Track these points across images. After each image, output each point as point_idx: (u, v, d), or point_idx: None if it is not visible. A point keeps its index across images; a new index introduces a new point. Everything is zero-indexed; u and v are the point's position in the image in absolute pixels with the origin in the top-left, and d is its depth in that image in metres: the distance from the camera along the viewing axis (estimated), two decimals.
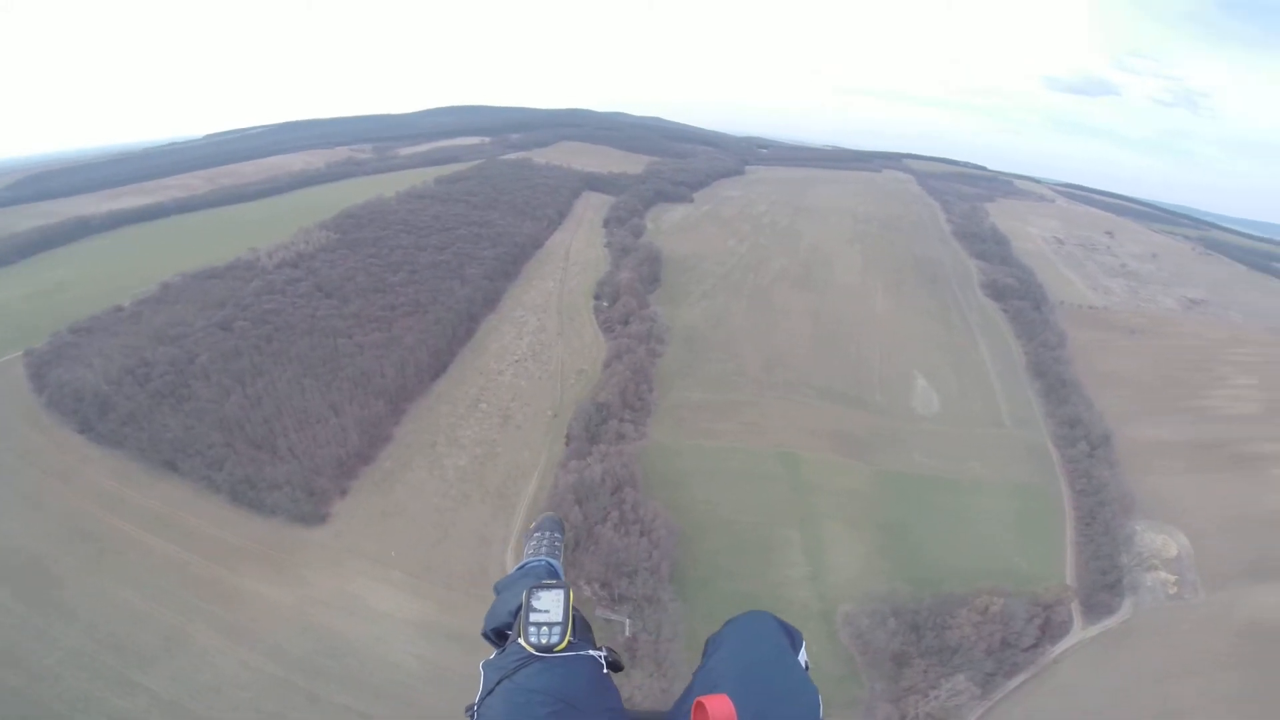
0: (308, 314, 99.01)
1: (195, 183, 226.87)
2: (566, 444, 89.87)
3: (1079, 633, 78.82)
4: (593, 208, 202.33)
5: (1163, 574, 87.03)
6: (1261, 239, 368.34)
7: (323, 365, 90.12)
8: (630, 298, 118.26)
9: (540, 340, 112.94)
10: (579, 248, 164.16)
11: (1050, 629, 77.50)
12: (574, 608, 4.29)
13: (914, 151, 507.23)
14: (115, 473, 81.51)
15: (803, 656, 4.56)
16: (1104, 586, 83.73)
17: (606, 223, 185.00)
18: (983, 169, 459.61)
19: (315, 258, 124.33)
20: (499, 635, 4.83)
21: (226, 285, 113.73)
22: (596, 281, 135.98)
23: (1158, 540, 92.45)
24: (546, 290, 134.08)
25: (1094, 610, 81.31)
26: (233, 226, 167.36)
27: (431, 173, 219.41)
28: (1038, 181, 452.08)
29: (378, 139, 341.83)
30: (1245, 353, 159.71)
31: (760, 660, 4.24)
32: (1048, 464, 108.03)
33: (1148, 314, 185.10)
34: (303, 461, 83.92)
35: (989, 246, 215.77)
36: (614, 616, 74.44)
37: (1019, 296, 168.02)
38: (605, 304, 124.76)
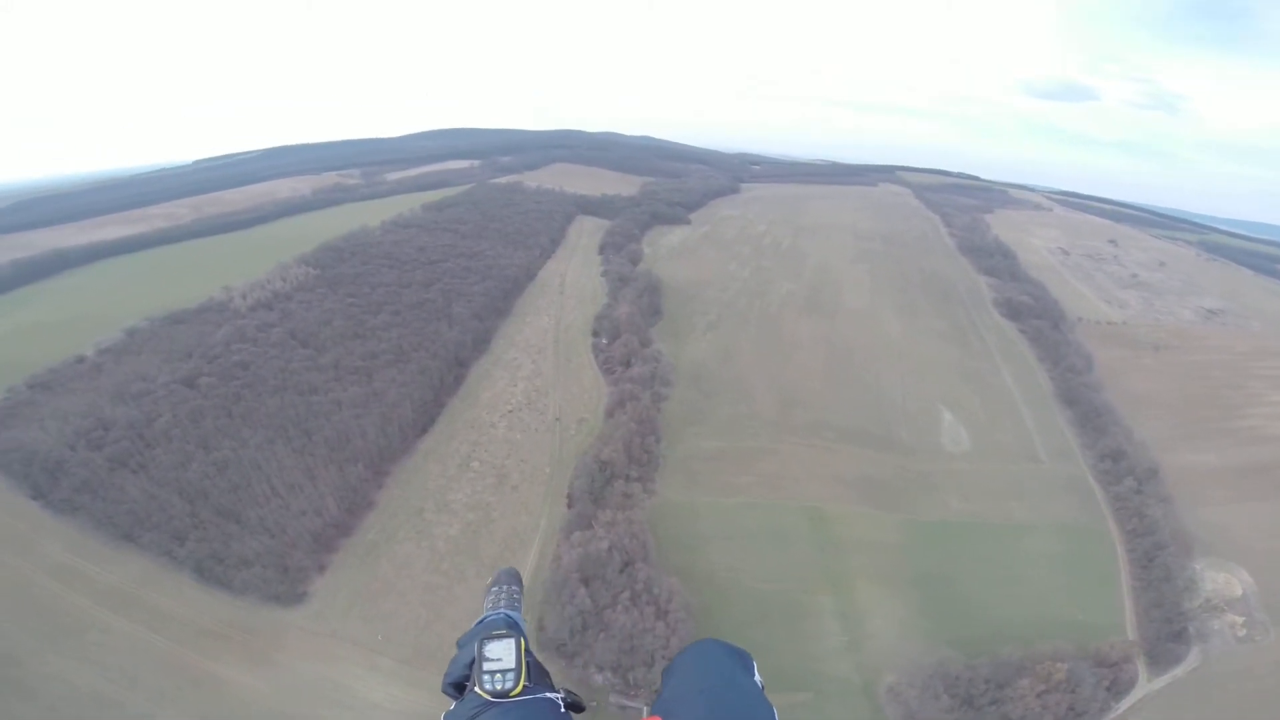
0: (279, 366, 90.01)
1: (180, 211, 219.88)
2: (568, 506, 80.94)
3: (1145, 685, 72.51)
4: (587, 233, 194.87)
5: (1230, 616, 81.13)
6: (1259, 240, 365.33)
7: (295, 426, 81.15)
8: (631, 334, 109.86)
9: (536, 386, 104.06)
10: (574, 277, 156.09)
11: (1116, 687, 71.15)
12: (527, 653, 4.42)
13: (902, 163, 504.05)
14: (72, 545, 74.99)
15: (757, 678, 4.64)
16: (1169, 636, 77.02)
17: (602, 249, 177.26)
18: (976, 179, 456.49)
19: (291, 298, 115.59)
20: (457, 688, 4.76)
21: (195, 331, 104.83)
22: (594, 315, 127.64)
23: (1220, 579, 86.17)
24: (541, 327, 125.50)
25: (1160, 661, 74.88)
26: (212, 259, 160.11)
27: (419, 199, 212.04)
28: (1032, 190, 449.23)
29: (366, 163, 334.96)
30: (1275, 365, 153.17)
31: (715, 684, 4.36)
32: (1091, 501, 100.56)
33: (1168, 327, 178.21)
34: (275, 535, 75.24)
35: (996, 261, 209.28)
36: (630, 704, 66.89)
37: (1036, 315, 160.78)
38: (605, 341, 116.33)
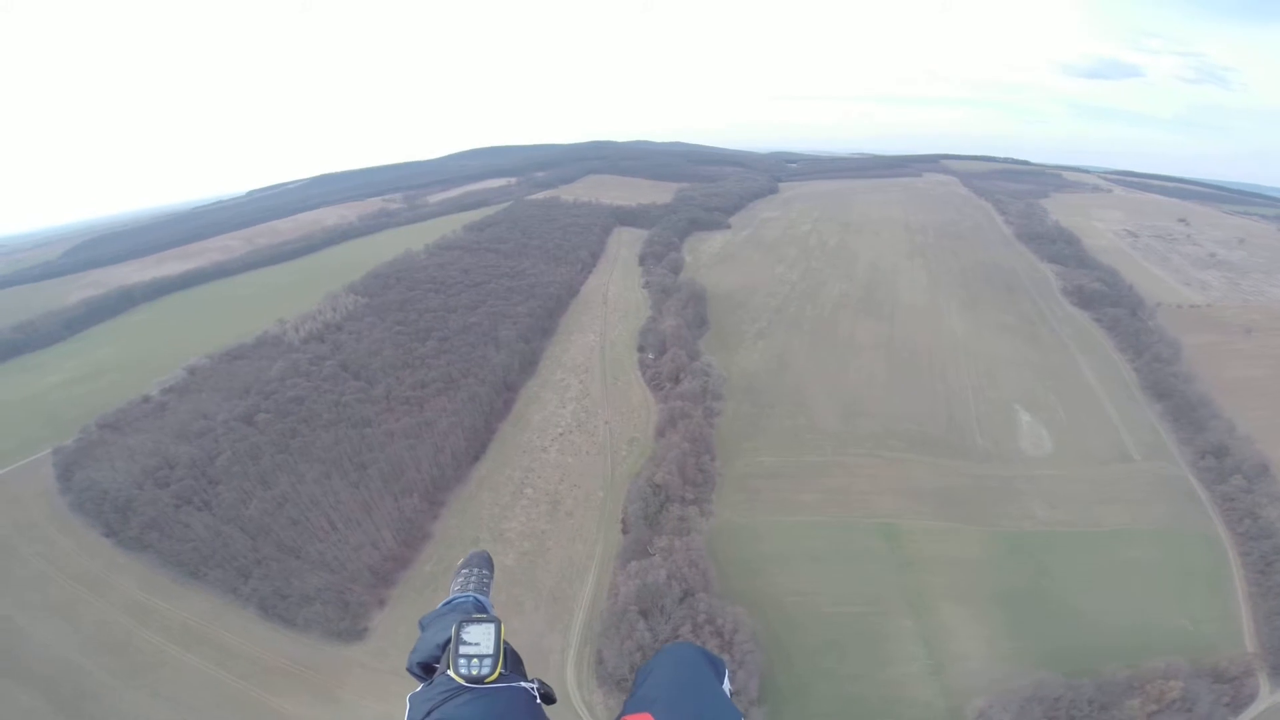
0: (333, 400, 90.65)
1: (234, 244, 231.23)
2: (623, 531, 77.91)
3: (1267, 698, 66.15)
4: (626, 244, 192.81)
5: None
6: None
7: (350, 460, 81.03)
8: (678, 348, 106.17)
9: (585, 407, 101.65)
10: (616, 291, 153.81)
11: (1236, 702, 65.00)
12: (505, 641, 4.29)
13: (945, 152, 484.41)
14: (143, 582, 77.14)
15: (727, 685, 4.77)
16: None
17: (642, 259, 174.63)
18: (1026, 163, 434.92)
19: (342, 328, 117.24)
20: (425, 670, 4.64)
21: (252, 366, 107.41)
22: (639, 330, 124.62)
23: None
24: (587, 345, 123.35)
25: None
26: (266, 291, 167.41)
27: (461, 219, 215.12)
28: (1086, 171, 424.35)
29: (408, 187, 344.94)
30: None
31: (687, 686, 4.44)
32: (1194, 502, 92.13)
33: (1260, 308, 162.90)
34: (335, 570, 74.99)
35: (1060, 247, 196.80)
36: None
37: (1111, 303, 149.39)
38: (651, 356, 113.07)
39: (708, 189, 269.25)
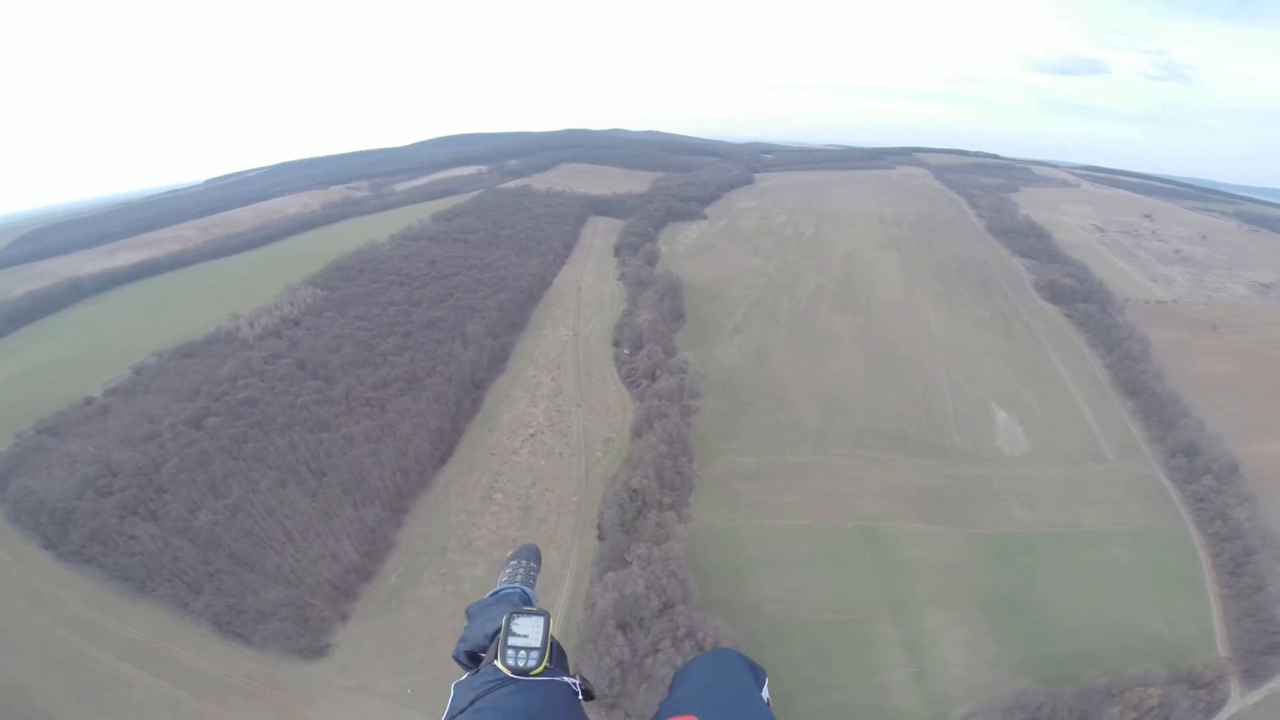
0: (288, 402, 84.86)
1: (189, 233, 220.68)
2: (599, 538, 74.78)
3: (1238, 701, 66.69)
4: (601, 234, 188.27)
5: None
6: None
7: (307, 466, 76.00)
8: (655, 344, 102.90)
9: (557, 405, 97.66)
10: (591, 283, 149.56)
11: (1210, 706, 65.38)
12: (552, 635, 4.30)
13: (918, 145, 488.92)
14: (88, 597, 72.13)
15: (765, 693, 4.57)
16: (1265, 648, 70.02)
17: (617, 250, 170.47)
18: (996, 157, 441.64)
19: (300, 323, 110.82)
20: (472, 659, 4.72)
21: (202, 366, 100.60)
22: (614, 324, 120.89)
23: None
24: (560, 340, 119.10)
25: (1255, 674, 68.51)
26: (222, 283, 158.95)
27: (428, 208, 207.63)
28: (1055, 166, 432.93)
29: (374, 175, 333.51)
30: None
31: (725, 693, 4.30)
32: (1165, 502, 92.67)
33: (1223, 304, 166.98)
34: (293, 584, 70.47)
35: (1030, 242, 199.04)
36: None
37: (1081, 298, 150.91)
38: (627, 351, 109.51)
39: (684, 179, 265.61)
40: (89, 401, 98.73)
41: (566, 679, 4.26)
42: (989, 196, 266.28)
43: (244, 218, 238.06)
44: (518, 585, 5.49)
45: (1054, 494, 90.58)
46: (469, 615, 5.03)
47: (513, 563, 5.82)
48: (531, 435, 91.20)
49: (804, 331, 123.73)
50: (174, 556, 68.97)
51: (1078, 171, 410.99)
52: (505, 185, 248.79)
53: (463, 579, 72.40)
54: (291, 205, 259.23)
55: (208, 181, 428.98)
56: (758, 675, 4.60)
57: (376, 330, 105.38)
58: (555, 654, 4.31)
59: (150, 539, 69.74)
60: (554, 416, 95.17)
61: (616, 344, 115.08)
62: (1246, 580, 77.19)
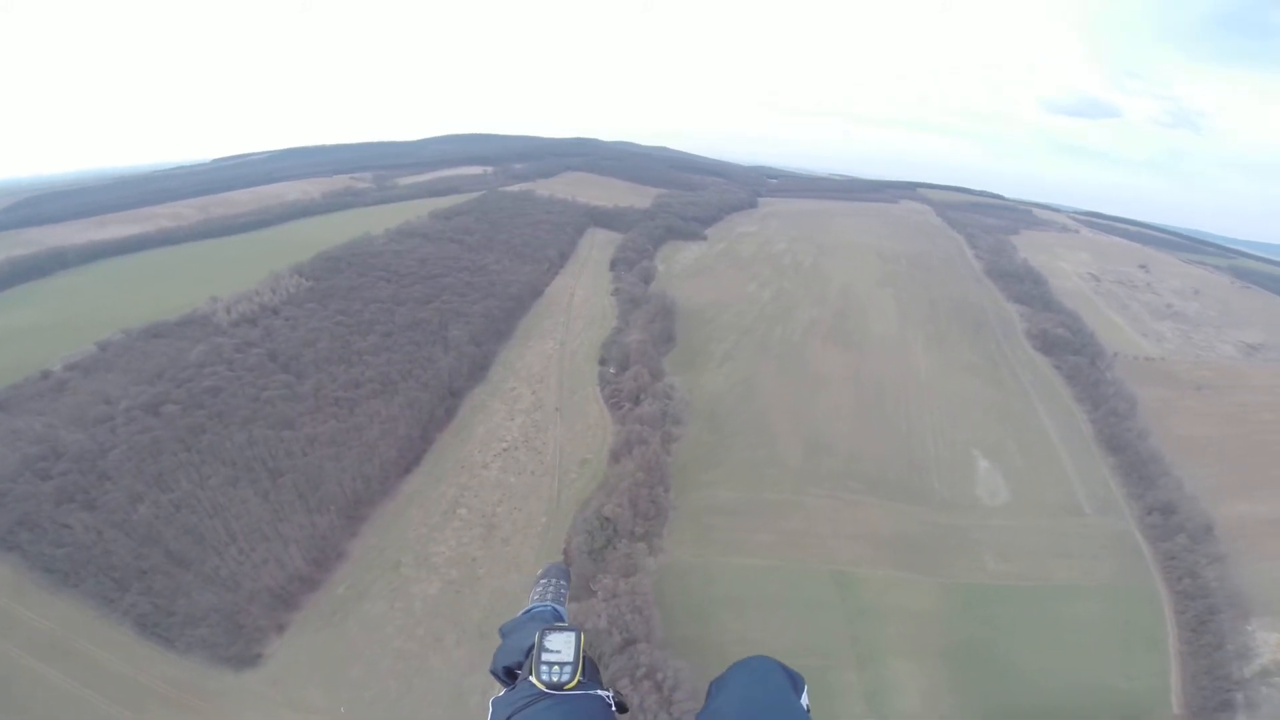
0: (252, 395, 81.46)
1: (186, 211, 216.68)
2: (565, 565, 71.86)
3: None
4: (599, 246, 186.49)
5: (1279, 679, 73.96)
6: None
7: (263, 465, 72.67)
8: (642, 366, 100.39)
9: (535, 421, 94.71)
10: (583, 295, 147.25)
11: None
12: (584, 650, 4.39)
13: (922, 180, 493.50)
14: (5, 586, 67.33)
15: (805, 700, 4.54)
16: (1217, 705, 70.57)
17: (614, 265, 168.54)
18: (999, 197, 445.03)
19: (279, 312, 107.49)
20: (509, 674, 4.80)
21: (170, 348, 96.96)
22: (603, 341, 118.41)
23: (1273, 640, 78.57)
24: (545, 353, 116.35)
25: None
26: (210, 265, 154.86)
27: (429, 205, 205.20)
28: (1056, 210, 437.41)
29: (380, 167, 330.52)
30: None
31: (763, 703, 4.26)
32: (1137, 558, 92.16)
33: (1210, 364, 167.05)
34: (231, 589, 66.96)
35: (1027, 287, 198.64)
36: None
37: (1073, 350, 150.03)
38: (613, 371, 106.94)
39: (687, 198, 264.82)
40: (46, 376, 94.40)
41: (600, 692, 4.29)
42: (989, 237, 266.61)
43: (243, 200, 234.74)
44: (549, 603, 5.65)
45: (1029, 546, 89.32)
46: (503, 633, 5.15)
47: (543, 581, 6.00)
48: (505, 450, 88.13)
49: (794, 364, 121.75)
50: (106, 550, 65.35)
51: (1078, 216, 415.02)
52: (508, 188, 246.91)
53: (414, 596, 69.10)
54: (292, 191, 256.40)
55: (214, 161, 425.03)
56: (796, 682, 4.54)
57: (356, 327, 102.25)
58: (588, 668, 4.40)
59: (84, 529, 66.02)
60: (530, 432, 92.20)
61: (603, 362, 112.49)
62: (1207, 638, 77.13)
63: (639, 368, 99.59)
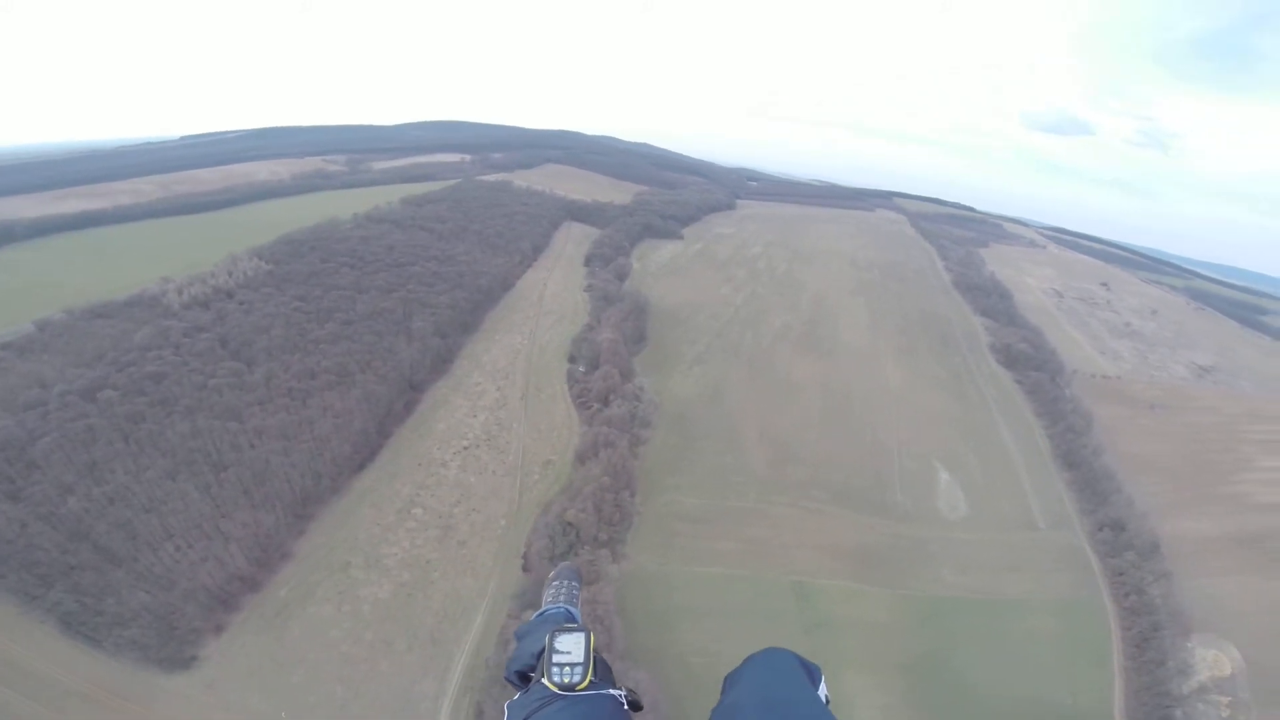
0: (199, 382, 77.20)
1: (147, 188, 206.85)
2: (524, 569, 69.90)
3: None
4: (574, 240, 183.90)
5: (1215, 696, 76.36)
6: (1239, 288, 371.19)
7: (206, 459, 68.83)
8: (612, 366, 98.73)
9: (499, 419, 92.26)
10: (555, 290, 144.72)
11: None
12: (595, 650, 4.43)
13: (900, 189, 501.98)
14: None
15: (823, 691, 4.53)
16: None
17: (588, 260, 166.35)
18: (971, 210, 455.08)
19: (234, 296, 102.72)
20: (522, 678, 4.81)
21: (114, 329, 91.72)
22: (573, 338, 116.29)
23: (1210, 657, 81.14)
24: (513, 347, 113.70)
25: None
26: (166, 244, 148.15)
27: (401, 190, 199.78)
28: (1025, 224, 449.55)
29: (354, 150, 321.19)
30: (1265, 430, 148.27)
31: (780, 695, 4.24)
32: (1088, 574, 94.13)
33: (1163, 384, 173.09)
34: (165, 587, 63.35)
35: (993, 301, 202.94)
36: None
37: (1034, 366, 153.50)
38: (582, 369, 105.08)
39: (667, 196, 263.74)
40: None
41: (612, 691, 4.29)
42: (959, 250, 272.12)
43: (209, 178, 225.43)
44: (561, 605, 5.61)
45: (985, 559, 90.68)
46: (517, 637, 5.15)
47: (555, 583, 5.92)
48: (466, 448, 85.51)
49: (764, 371, 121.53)
50: (30, 543, 61.07)
51: (1045, 232, 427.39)
52: (484, 177, 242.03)
53: (363, 599, 66.41)
54: (262, 171, 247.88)
55: (183, 138, 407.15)
56: (813, 674, 4.52)
57: (314, 314, 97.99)
58: (600, 668, 4.41)
59: (6, 521, 61.55)
60: (493, 430, 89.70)
61: (572, 360, 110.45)
62: (1150, 654, 79.03)
63: (609, 367, 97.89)
